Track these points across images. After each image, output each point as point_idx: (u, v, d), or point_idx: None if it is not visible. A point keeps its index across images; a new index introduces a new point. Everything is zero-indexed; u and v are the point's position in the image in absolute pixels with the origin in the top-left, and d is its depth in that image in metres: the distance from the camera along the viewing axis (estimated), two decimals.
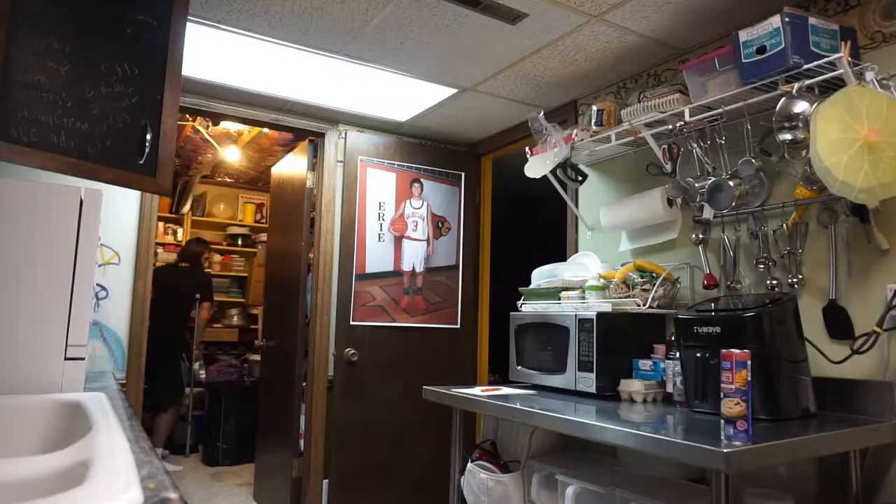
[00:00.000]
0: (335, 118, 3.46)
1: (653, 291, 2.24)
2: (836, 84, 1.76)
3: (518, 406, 1.96)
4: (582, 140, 2.53)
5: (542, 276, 2.67)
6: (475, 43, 2.50)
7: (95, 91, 1.74)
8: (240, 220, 6.60)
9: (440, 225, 3.68)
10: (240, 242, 6.54)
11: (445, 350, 3.61)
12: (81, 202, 1.70)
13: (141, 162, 1.84)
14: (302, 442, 3.43)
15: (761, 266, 2.09)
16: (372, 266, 3.43)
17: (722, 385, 1.41)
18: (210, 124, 4.50)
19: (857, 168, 1.60)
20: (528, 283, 2.71)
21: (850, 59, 1.73)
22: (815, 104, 1.71)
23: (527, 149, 2.80)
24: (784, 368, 1.74)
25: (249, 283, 6.49)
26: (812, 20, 1.83)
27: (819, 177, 1.67)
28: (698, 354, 1.79)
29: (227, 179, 6.34)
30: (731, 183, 2.01)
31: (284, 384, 3.58)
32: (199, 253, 5.20)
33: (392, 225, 3.52)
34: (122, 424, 1.17)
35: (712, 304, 1.96)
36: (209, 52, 2.64)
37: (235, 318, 6.48)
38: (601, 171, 2.85)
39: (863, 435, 1.65)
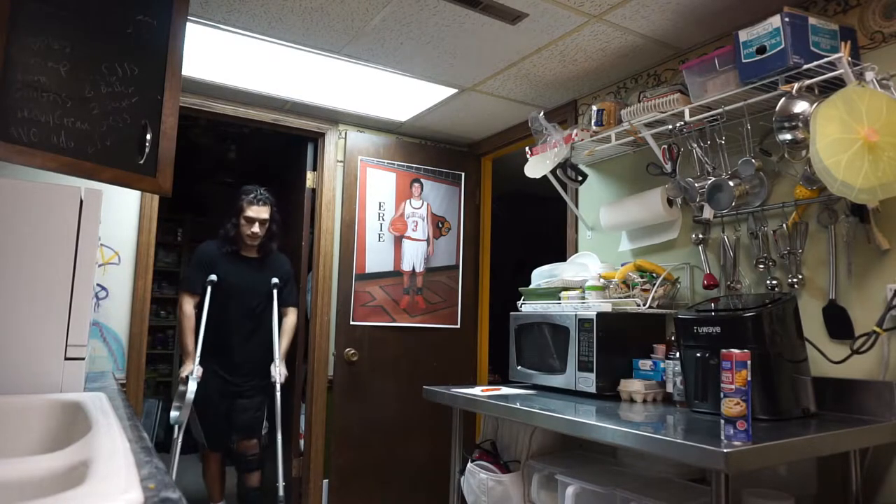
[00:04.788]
0: (335, 118, 3.46)
1: (653, 291, 2.24)
2: (836, 84, 1.76)
3: (518, 406, 1.96)
4: (582, 140, 2.53)
5: (542, 276, 2.67)
6: (475, 43, 2.50)
7: (95, 91, 1.74)
8: None
9: (440, 225, 3.68)
10: None
11: (445, 350, 3.61)
12: (81, 202, 1.70)
13: (141, 162, 1.84)
14: (302, 442, 3.44)
15: (761, 266, 2.09)
16: (372, 266, 3.43)
17: (722, 385, 1.41)
18: None
19: (857, 168, 1.60)
20: (528, 282, 2.71)
21: (850, 59, 1.73)
22: (815, 104, 1.71)
23: (527, 149, 2.79)
24: (784, 368, 1.74)
25: None
26: (812, 20, 1.83)
27: (819, 177, 1.67)
28: (698, 354, 1.79)
29: (227, 179, 6.33)
30: (731, 183, 2.01)
31: (284, 384, 3.58)
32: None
33: (392, 225, 3.52)
34: (122, 424, 1.17)
35: (712, 304, 1.96)
36: (209, 52, 2.64)
37: None
38: (601, 171, 2.85)
39: (863, 435, 1.65)
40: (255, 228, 3.10)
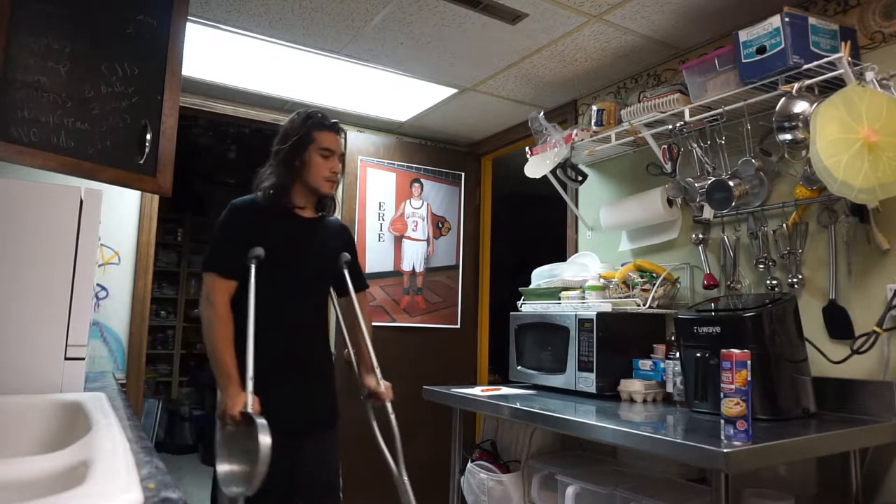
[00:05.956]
0: (335, 118, 3.46)
1: (653, 291, 2.24)
2: (836, 84, 1.76)
3: (518, 406, 1.96)
4: (582, 140, 2.53)
5: (542, 276, 2.67)
6: (475, 43, 2.50)
7: (95, 91, 1.74)
8: None
9: (440, 225, 3.67)
10: None
11: (445, 350, 3.61)
12: (81, 202, 1.70)
13: (141, 162, 1.84)
14: None
15: (761, 266, 2.09)
16: (372, 266, 3.43)
17: (722, 385, 1.41)
18: None
19: (857, 168, 1.60)
20: (528, 282, 2.71)
21: (850, 59, 1.73)
22: (815, 104, 1.71)
23: (527, 149, 2.80)
24: (784, 368, 1.74)
25: None
26: (812, 20, 1.83)
27: (819, 177, 1.67)
28: (698, 354, 1.79)
29: (227, 179, 6.34)
30: (731, 183, 2.01)
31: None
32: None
33: (392, 225, 3.52)
34: (122, 424, 1.17)
35: (712, 304, 1.96)
36: (209, 52, 2.64)
37: None
38: (601, 171, 2.84)
39: (863, 435, 1.65)
40: (336, 165, 2.06)
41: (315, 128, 2.06)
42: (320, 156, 2.02)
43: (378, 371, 2.10)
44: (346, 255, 2.13)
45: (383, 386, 2.06)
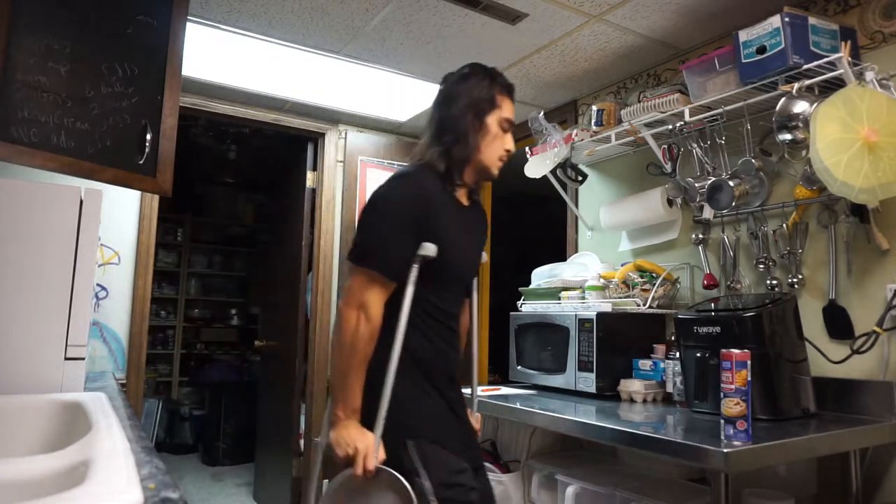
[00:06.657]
0: (335, 118, 3.46)
1: (653, 291, 2.24)
2: (836, 84, 1.76)
3: (518, 406, 1.96)
4: (582, 140, 2.53)
5: (542, 276, 2.67)
6: (475, 43, 2.50)
7: (95, 91, 1.74)
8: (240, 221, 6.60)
9: None
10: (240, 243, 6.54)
11: None
12: (81, 202, 1.70)
13: (141, 162, 1.84)
14: (302, 442, 3.43)
15: (761, 266, 2.09)
16: None
17: (722, 385, 1.41)
18: None
19: (857, 168, 1.60)
20: (528, 282, 2.71)
21: (850, 59, 1.73)
22: (815, 104, 1.71)
23: (527, 149, 2.79)
24: (784, 368, 1.74)
25: (249, 283, 6.49)
26: (812, 20, 1.83)
27: (819, 177, 1.67)
28: (698, 354, 1.79)
29: (227, 179, 6.33)
30: (731, 183, 2.01)
31: (284, 384, 3.58)
32: None
33: None
34: (123, 424, 1.17)
35: (712, 304, 1.96)
36: (209, 52, 2.64)
37: (235, 319, 6.49)
38: (601, 171, 2.84)
39: (863, 435, 1.65)
40: (512, 143, 1.67)
41: (502, 91, 1.60)
42: (501, 128, 1.60)
43: (475, 398, 1.73)
44: (485, 256, 1.71)
45: (476, 419, 1.67)
